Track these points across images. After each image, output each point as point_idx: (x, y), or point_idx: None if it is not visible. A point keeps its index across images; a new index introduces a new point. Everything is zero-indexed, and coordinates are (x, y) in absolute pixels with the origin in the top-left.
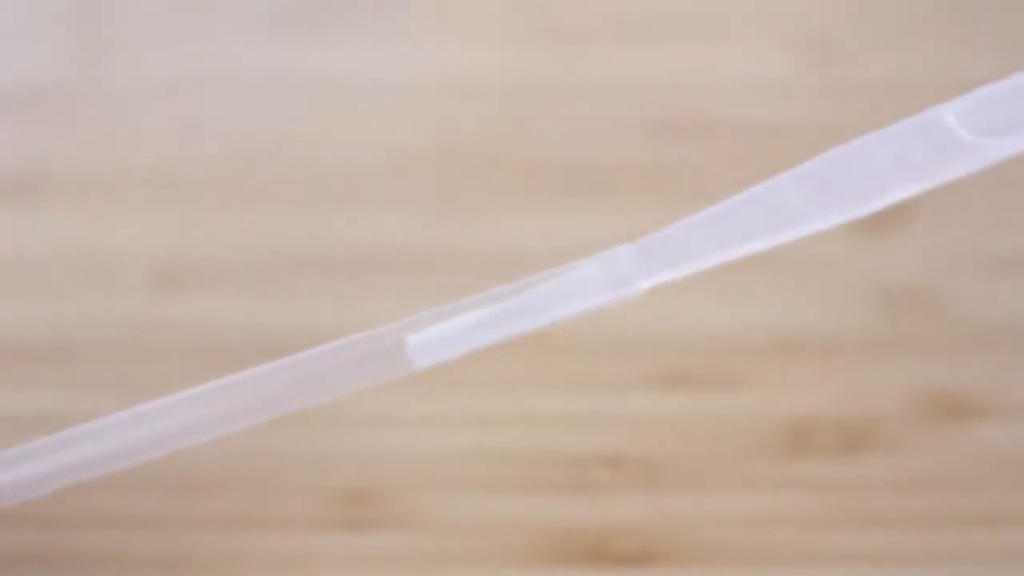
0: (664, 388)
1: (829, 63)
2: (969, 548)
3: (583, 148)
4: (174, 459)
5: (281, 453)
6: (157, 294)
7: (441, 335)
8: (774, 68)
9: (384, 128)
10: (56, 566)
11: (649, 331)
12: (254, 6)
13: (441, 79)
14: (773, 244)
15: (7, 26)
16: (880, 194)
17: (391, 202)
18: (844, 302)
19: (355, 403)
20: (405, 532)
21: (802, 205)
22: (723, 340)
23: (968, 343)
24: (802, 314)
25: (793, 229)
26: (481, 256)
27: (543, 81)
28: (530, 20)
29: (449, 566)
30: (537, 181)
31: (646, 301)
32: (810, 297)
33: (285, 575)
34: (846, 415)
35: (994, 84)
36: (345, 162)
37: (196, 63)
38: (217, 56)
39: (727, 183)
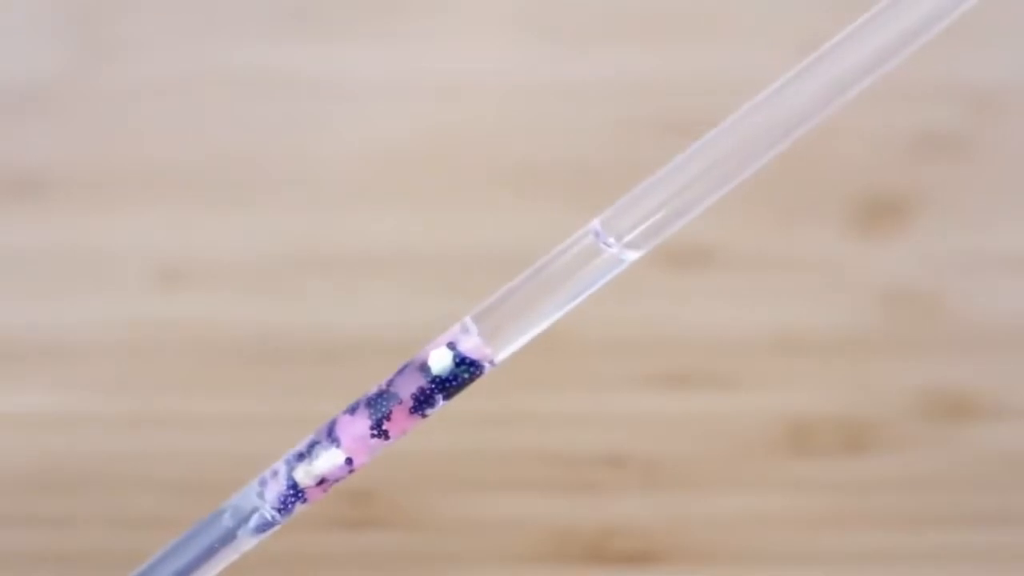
0: (664, 388)
1: None
2: (969, 548)
3: (583, 147)
4: (174, 459)
5: (280, 454)
6: (157, 294)
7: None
8: (775, 67)
9: (385, 128)
10: (56, 566)
11: (649, 331)
12: (253, 6)
13: (443, 79)
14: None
15: (7, 26)
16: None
17: (392, 201)
18: (844, 302)
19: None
20: (405, 532)
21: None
22: (723, 340)
23: (968, 343)
24: (802, 314)
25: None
26: (480, 255)
27: (543, 81)
28: (530, 20)
29: (449, 566)
30: (536, 180)
31: (646, 300)
32: (810, 297)
33: (286, 575)
34: (846, 415)
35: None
36: (346, 161)
37: (196, 63)
38: (217, 56)
39: None
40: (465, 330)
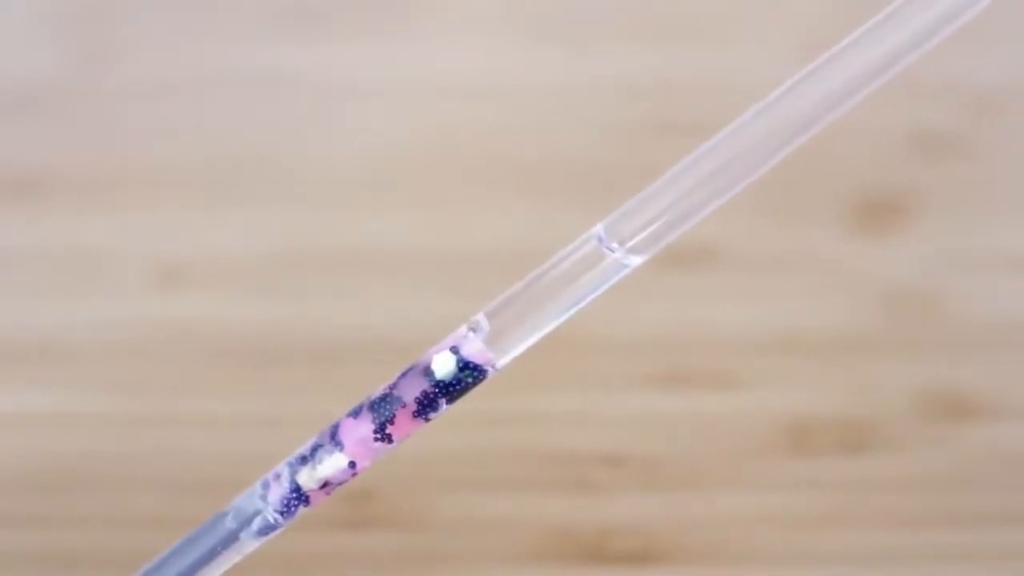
0: (664, 388)
1: None
2: (969, 548)
3: (585, 147)
4: (174, 459)
5: (281, 454)
6: (157, 294)
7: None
8: (779, 68)
9: (386, 128)
10: (56, 566)
11: (649, 330)
12: (254, 6)
13: (441, 79)
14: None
15: (7, 26)
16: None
17: (392, 202)
18: (844, 301)
19: (352, 403)
20: (405, 532)
21: None
22: (723, 339)
23: (968, 343)
24: (802, 313)
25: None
26: (480, 256)
27: (545, 81)
28: (531, 19)
29: (449, 566)
30: (538, 181)
31: (646, 300)
32: (810, 296)
33: (286, 575)
34: (846, 415)
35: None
36: (346, 161)
37: (196, 63)
38: (217, 56)
39: None
40: (474, 328)
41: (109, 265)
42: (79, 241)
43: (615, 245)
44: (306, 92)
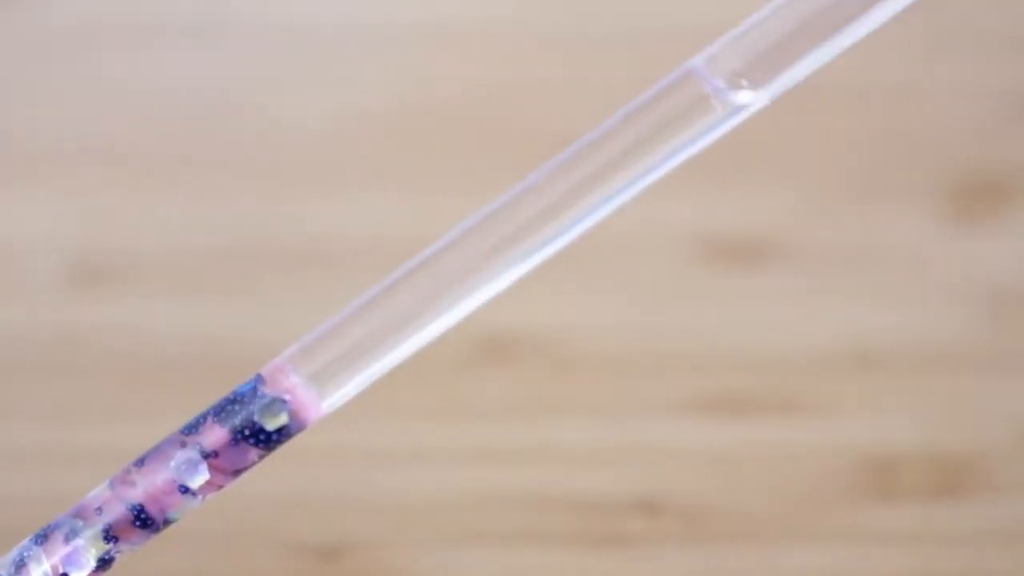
0: (712, 414)
1: None
2: None
3: (597, 112)
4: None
5: (240, 500)
6: (71, 295)
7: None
8: None
9: (358, 87)
10: None
11: (692, 344)
12: None
13: (427, 27)
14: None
15: None
16: None
17: (365, 179)
18: (938, 307)
19: (324, 435)
20: None
21: None
22: (785, 355)
23: None
24: (885, 322)
25: None
26: None
27: (549, 31)
28: None
29: None
30: (542, 152)
31: (689, 305)
32: (895, 301)
33: None
34: (943, 449)
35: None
36: (308, 129)
37: (125, 4)
38: None
39: (750, 147)
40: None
41: (9, 262)
42: None
43: (720, 82)
44: (261, 42)
